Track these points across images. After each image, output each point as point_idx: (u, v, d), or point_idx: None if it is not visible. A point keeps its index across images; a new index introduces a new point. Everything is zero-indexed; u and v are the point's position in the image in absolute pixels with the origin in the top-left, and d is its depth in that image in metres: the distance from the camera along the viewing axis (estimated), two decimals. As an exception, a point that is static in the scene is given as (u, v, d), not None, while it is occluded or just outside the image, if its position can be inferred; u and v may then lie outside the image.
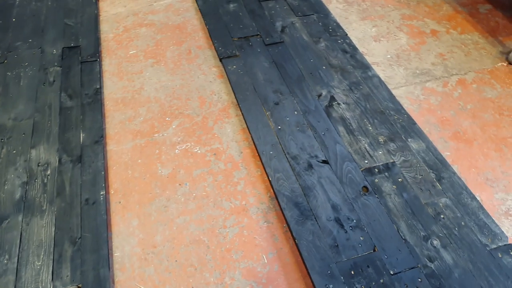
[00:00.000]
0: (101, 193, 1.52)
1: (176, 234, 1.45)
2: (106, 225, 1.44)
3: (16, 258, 1.36)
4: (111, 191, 1.57)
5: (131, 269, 1.37)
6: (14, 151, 1.66)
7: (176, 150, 1.70)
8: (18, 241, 1.40)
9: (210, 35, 2.18)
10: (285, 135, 1.70)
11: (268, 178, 1.56)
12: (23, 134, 1.72)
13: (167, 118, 1.82)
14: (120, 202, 1.54)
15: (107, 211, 1.48)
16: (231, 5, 2.37)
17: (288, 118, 1.77)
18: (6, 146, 1.68)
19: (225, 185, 1.59)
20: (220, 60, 2.05)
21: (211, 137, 1.75)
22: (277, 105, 1.82)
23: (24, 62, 2.03)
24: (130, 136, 1.76)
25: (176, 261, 1.38)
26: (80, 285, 1.29)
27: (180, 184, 1.59)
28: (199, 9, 2.36)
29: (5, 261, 1.35)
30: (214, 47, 2.12)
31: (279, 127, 1.73)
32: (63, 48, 2.11)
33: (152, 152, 1.70)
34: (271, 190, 1.56)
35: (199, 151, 1.70)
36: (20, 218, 1.46)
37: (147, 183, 1.60)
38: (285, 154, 1.63)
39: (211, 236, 1.44)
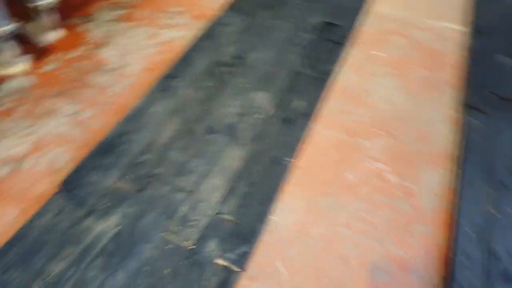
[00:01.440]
0: (289, 159, 1.56)
1: (331, 239, 1.39)
2: (278, 189, 1.47)
3: (204, 167, 1.52)
4: (296, 164, 1.60)
5: (277, 240, 1.37)
6: (241, 85, 1.84)
7: (370, 164, 1.61)
8: (212, 156, 1.56)
9: (468, 77, 1.95)
10: (501, 226, 1.41)
11: (451, 255, 1.33)
12: (256, 76, 1.89)
13: (377, 131, 1.74)
14: (299, 178, 1.56)
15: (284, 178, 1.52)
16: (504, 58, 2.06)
17: None
18: (237, 77, 1.87)
19: (399, 227, 1.43)
20: (464, 107, 1.81)
21: (410, 173, 1.59)
22: (505, 188, 1.52)
23: (290, 18, 2.22)
24: (337, 126, 1.74)
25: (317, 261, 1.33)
26: (238, 222, 1.37)
27: (358, 199, 1.51)
28: (470, 47, 2.12)
29: (201, 166, 1.52)
30: (465, 90, 1.88)
31: (498, 214, 1.44)
32: (323, 22, 2.22)
33: (347, 152, 1.65)
34: (447, 270, 1.33)
35: (391, 179, 1.57)
36: (224, 139, 1.62)
37: (329, 177, 1.56)
38: (486, 245, 1.36)
39: (360, 267, 1.33)
